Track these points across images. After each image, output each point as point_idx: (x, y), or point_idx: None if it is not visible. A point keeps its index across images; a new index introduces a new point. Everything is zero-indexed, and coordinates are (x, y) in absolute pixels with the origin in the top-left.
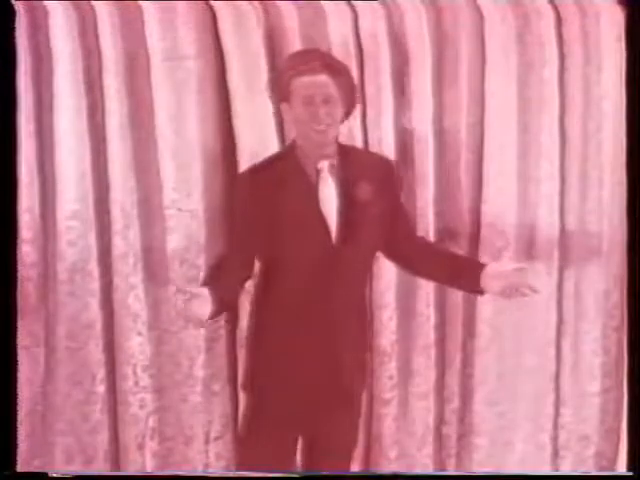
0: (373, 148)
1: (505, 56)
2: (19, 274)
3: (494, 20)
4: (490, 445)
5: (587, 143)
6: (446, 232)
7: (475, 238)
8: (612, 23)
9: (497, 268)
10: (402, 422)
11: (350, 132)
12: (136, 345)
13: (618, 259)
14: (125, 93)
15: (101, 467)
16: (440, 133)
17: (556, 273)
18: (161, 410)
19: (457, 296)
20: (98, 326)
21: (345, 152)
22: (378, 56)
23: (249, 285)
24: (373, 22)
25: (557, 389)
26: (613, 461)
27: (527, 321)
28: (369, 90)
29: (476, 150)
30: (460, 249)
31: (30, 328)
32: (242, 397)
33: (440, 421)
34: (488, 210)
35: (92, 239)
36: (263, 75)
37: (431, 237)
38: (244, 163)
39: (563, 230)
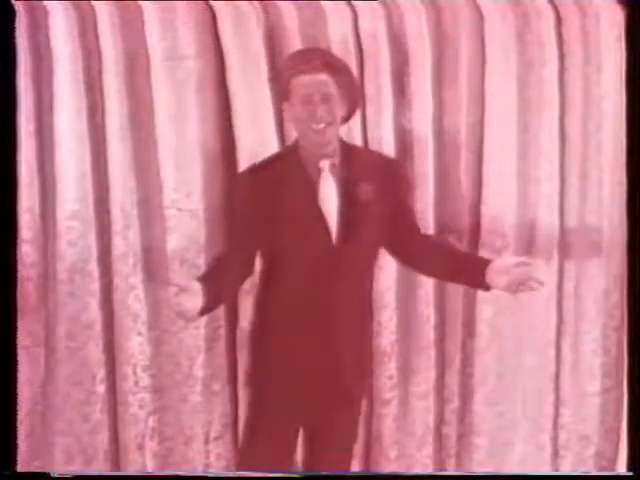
0: (373, 148)
1: (505, 56)
2: (19, 274)
3: (494, 20)
4: (490, 445)
5: (587, 143)
6: (446, 232)
7: (475, 238)
8: (612, 23)
9: (502, 263)
10: (402, 422)
11: (350, 132)
12: (136, 345)
13: (618, 259)
14: (125, 93)
15: (101, 467)
16: (440, 133)
17: (556, 273)
18: (161, 410)
19: (457, 296)
20: (98, 326)
21: (347, 151)
22: (378, 56)
23: (249, 284)
24: (373, 22)
25: (557, 389)
26: (613, 461)
27: (527, 321)
28: (369, 90)
29: (476, 150)
30: (459, 248)
31: (30, 328)
32: (244, 394)
33: (440, 421)
34: (488, 210)
35: (92, 239)
36: (263, 75)
37: None
38: (244, 163)
39: (563, 230)
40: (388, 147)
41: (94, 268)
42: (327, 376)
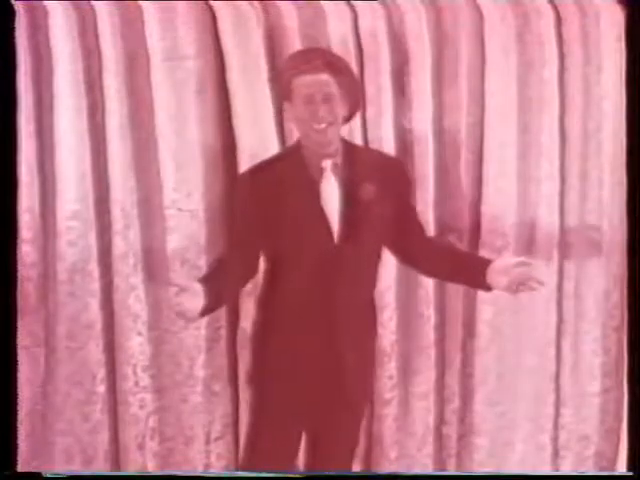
0: (373, 148)
1: (505, 56)
2: (19, 274)
3: (494, 20)
4: (490, 445)
5: (587, 143)
6: (446, 232)
7: (475, 238)
8: (612, 23)
9: (502, 263)
10: (402, 422)
11: (350, 132)
12: (136, 345)
13: (618, 259)
14: (125, 93)
15: (101, 467)
16: (440, 133)
17: (556, 273)
18: (161, 410)
19: (457, 296)
20: (98, 326)
21: (349, 151)
22: (378, 56)
23: (250, 285)
24: (373, 22)
25: (557, 389)
26: (613, 461)
27: (527, 321)
28: (369, 90)
29: (476, 150)
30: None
31: (30, 328)
32: (246, 395)
33: (440, 421)
34: (488, 210)
35: (92, 239)
36: (263, 75)
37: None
38: (244, 163)
39: (563, 230)
40: (388, 147)
41: (94, 268)
42: (330, 377)
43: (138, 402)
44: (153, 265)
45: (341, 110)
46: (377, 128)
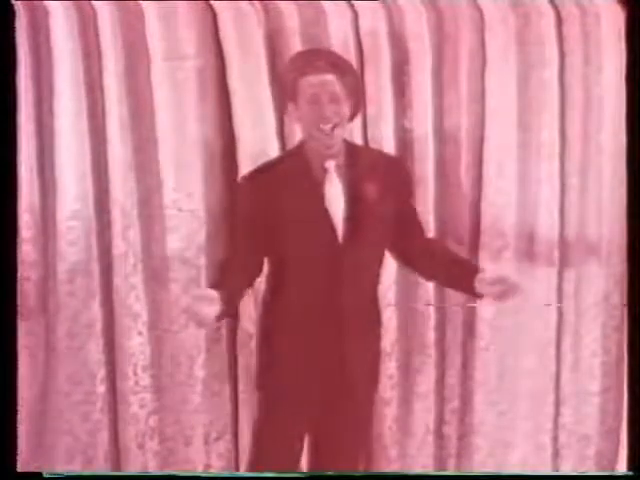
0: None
1: (505, 56)
2: (19, 274)
3: (494, 20)
4: (490, 445)
5: (587, 143)
6: (446, 232)
7: (475, 238)
8: (612, 23)
9: (489, 274)
10: (402, 422)
11: (350, 132)
12: (136, 345)
13: (618, 259)
14: (125, 93)
15: (101, 467)
16: (440, 133)
17: (556, 273)
18: (161, 410)
19: (457, 296)
20: (98, 326)
21: (352, 151)
22: (378, 56)
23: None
24: (373, 22)
25: (557, 389)
26: (613, 461)
27: (527, 321)
28: (369, 90)
29: (476, 150)
30: (460, 249)
31: (30, 328)
32: (255, 398)
33: (440, 421)
34: (488, 210)
35: (92, 239)
36: (263, 75)
37: (431, 236)
38: (244, 163)
39: (563, 230)
40: (388, 147)
41: (94, 268)
42: (337, 377)
43: (138, 402)
44: (153, 265)
45: (346, 110)
46: (377, 128)
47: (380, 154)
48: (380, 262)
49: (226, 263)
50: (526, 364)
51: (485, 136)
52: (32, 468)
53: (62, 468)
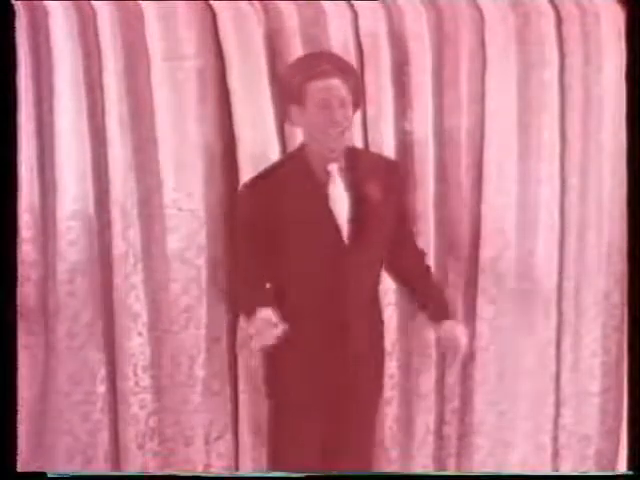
0: (373, 149)
1: (505, 56)
2: (19, 274)
3: (494, 20)
4: (490, 445)
5: (587, 143)
6: (446, 232)
7: (475, 238)
8: (612, 22)
9: (444, 331)
10: (402, 422)
11: (349, 132)
12: (136, 345)
13: (618, 259)
14: (125, 93)
15: (101, 467)
16: (440, 133)
17: (556, 273)
18: (161, 410)
19: (457, 296)
20: (98, 326)
21: (352, 154)
22: (378, 56)
23: None
24: (373, 22)
25: (557, 389)
26: (613, 461)
27: (527, 321)
28: (369, 90)
29: (476, 151)
30: (460, 249)
31: (30, 328)
32: (267, 404)
33: (440, 421)
34: (488, 210)
35: (92, 239)
36: (263, 75)
37: (431, 238)
38: (244, 163)
39: (563, 230)
40: (388, 147)
41: (94, 268)
42: (344, 376)
43: (138, 402)
44: (153, 265)
45: (351, 113)
46: (377, 128)
47: (379, 157)
48: (381, 262)
49: (253, 280)
50: (526, 364)
51: (485, 136)
52: (32, 468)
53: (62, 468)
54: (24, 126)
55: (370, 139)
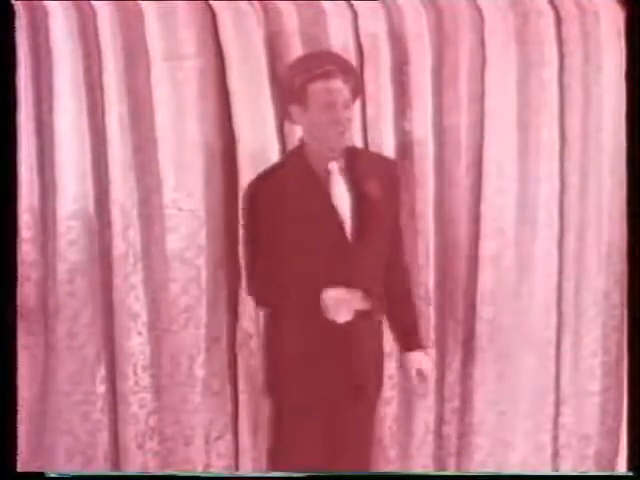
0: (373, 148)
1: (505, 55)
2: (19, 274)
3: (494, 20)
4: (490, 445)
5: (587, 143)
6: (446, 232)
7: (475, 238)
8: (612, 22)
9: (410, 362)
10: (402, 421)
11: (350, 132)
12: (136, 345)
13: (618, 259)
14: (125, 93)
15: (101, 467)
16: (440, 133)
17: (556, 273)
18: (161, 410)
19: (457, 296)
20: (98, 326)
21: (351, 153)
22: (378, 56)
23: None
24: (373, 22)
25: (557, 389)
26: (613, 461)
27: (527, 321)
28: (369, 90)
29: (476, 150)
30: (460, 249)
31: (30, 328)
32: (266, 402)
33: (440, 421)
34: (488, 210)
35: (92, 239)
36: (263, 75)
37: (431, 237)
38: (244, 163)
39: (563, 230)
40: (388, 147)
41: (94, 268)
42: (347, 372)
43: (138, 402)
44: (153, 265)
45: (353, 113)
46: (377, 128)
47: (378, 156)
48: (382, 261)
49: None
50: (526, 364)
51: (485, 135)
52: (32, 468)
53: (62, 468)
54: (24, 126)
55: (370, 139)
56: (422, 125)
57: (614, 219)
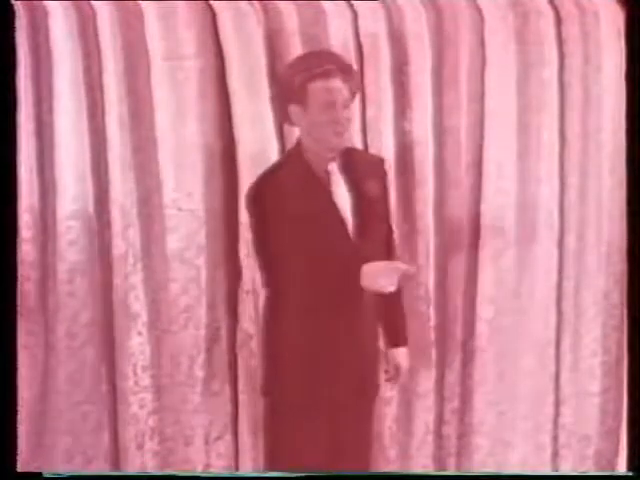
0: (372, 148)
1: (505, 56)
2: (19, 274)
3: (494, 20)
4: (490, 445)
5: (587, 143)
6: (446, 233)
7: (475, 238)
8: (612, 22)
9: (392, 357)
10: (402, 422)
11: (349, 132)
12: (136, 345)
13: (618, 259)
14: (125, 93)
15: (101, 467)
16: (440, 133)
17: (556, 273)
18: (161, 410)
19: (457, 296)
20: (98, 326)
21: (347, 153)
22: (378, 56)
23: (250, 285)
24: (373, 22)
25: (557, 389)
26: (613, 461)
27: (527, 321)
28: (369, 90)
29: (476, 150)
30: (460, 249)
31: (30, 328)
32: (263, 401)
33: (440, 421)
34: (488, 210)
35: (92, 239)
36: (263, 75)
37: (431, 237)
38: (244, 163)
39: (562, 230)
40: (388, 147)
41: (94, 268)
42: (350, 368)
43: (138, 402)
44: (153, 265)
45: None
46: (377, 128)
47: (370, 155)
48: (382, 258)
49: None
50: (526, 364)
51: (485, 136)
52: (32, 468)
53: (62, 468)
54: (24, 126)
55: (370, 139)
56: (422, 125)
57: (614, 219)
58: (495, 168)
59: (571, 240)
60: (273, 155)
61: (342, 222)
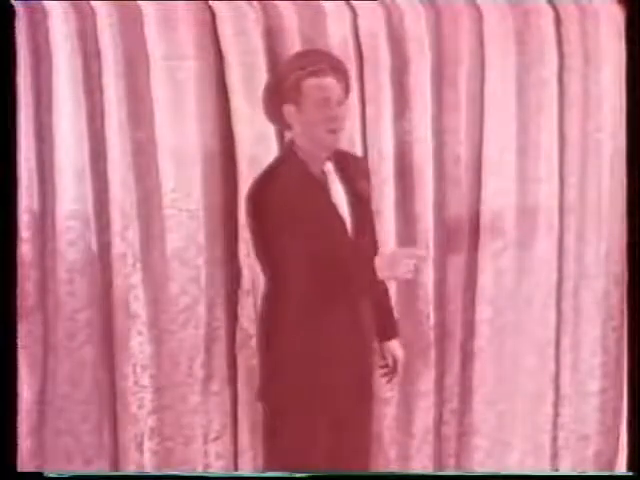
0: (372, 148)
1: (504, 56)
2: (19, 274)
3: (493, 20)
4: (489, 445)
5: (586, 143)
6: (446, 233)
7: (475, 238)
8: (611, 23)
9: (386, 348)
10: (402, 422)
11: (349, 132)
12: (136, 345)
13: (618, 259)
14: (125, 93)
15: (101, 467)
16: (440, 133)
17: (555, 273)
18: (161, 410)
19: (457, 296)
20: (98, 326)
21: (338, 154)
22: (377, 56)
23: (249, 284)
24: (373, 22)
25: (556, 389)
26: (612, 461)
27: (527, 321)
28: (368, 90)
29: (475, 150)
30: (460, 249)
31: (30, 328)
32: (260, 406)
33: (440, 421)
34: (488, 210)
35: (92, 239)
36: (262, 75)
37: (430, 237)
38: (243, 163)
39: (562, 230)
40: (387, 147)
41: (94, 268)
42: (352, 367)
43: (137, 401)
44: (152, 265)
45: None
46: (376, 128)
47: (353, 155)
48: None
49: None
50: (526, 364)
51: (484, 136)
52: (32, 468)
53: (62, 468)
54: (24, 126)
55: (369, 139)
56: (422, 125)
57: (614, 219)
58: (495, 168)
59: (571, 240)
60: (272, 155)
61: (342, 222)
